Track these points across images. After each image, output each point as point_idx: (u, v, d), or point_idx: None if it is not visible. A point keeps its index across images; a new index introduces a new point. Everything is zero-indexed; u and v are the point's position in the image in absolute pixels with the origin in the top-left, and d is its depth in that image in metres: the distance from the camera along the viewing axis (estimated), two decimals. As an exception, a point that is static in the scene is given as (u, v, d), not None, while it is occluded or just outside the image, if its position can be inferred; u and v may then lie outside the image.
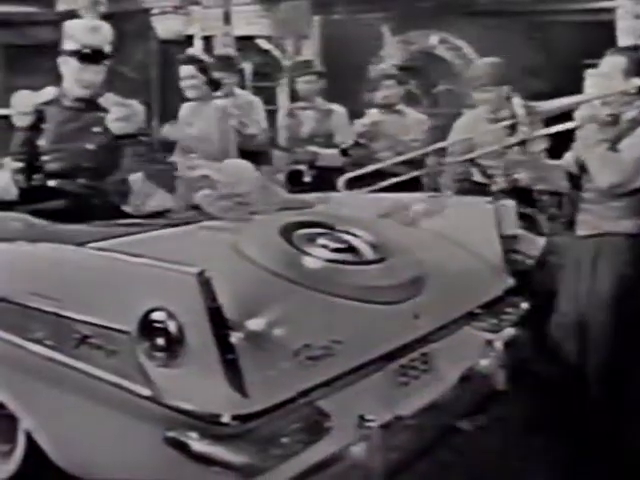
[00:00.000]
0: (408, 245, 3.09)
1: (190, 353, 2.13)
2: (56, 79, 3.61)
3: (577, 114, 3.16)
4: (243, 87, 5.79)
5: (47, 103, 3.58)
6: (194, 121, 4.56)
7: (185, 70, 4.60)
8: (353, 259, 2.88)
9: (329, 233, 2.99)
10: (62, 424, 2.46)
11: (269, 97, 7.48)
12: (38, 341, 2.41)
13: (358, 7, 8.12)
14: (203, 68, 4.62)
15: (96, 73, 3.51)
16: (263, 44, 8.65)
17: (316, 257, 2.78)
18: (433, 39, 8.17)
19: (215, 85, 4.68)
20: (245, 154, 4.29)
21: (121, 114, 3.51)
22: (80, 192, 3.45)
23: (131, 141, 3.53)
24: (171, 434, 2.13)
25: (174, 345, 2.14)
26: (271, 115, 5.47)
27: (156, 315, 2.16)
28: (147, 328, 2.17)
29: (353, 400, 2.45)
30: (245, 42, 8.35)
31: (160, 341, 2.15)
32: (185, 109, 4.71)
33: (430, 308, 2.84)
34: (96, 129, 3.51)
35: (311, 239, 2.90)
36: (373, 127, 4.99)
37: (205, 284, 2.13)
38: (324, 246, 2.87)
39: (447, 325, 2.91)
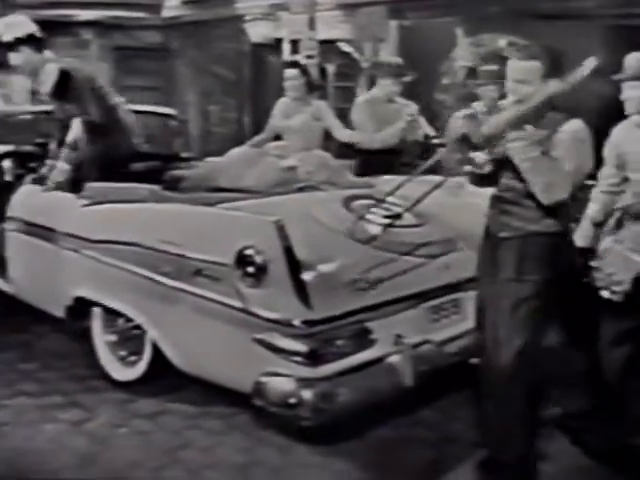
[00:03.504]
0: (444, 214, 3.84)
1: (271, 278, 3.00)
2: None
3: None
4: (324, 88, 6.18)
5: None
6: (293, 115, 5.23)
7: (290, 73, 5.23)
8: (398, 223, 3.67)
9: (380, 204, 3.79)
10: (181, 334, 3.38)
11: (349, 96, 8.11)
12: (164, 274, 3.33)
13: (431, 12, 8.65)
14: (304, 71, 5.28)
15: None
16: (344, 47, 9.29)
17: (369, 221, 3.59)
18: (502, 42, 8.63)
19: (310, 87, 5.27)
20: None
21: None
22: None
23: None
24: (259, 336, 3.02)
25: (260, 272, 3.01)
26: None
27: (248, 251, 3.04)
28: (241, 261, 3.05)
29: (393, 325, 3.26)
30: (328, 45, 9.02)
31: (250, 270, 3.03)
32: (283, 103, 5.36)
33: (459, 262, 3.59)
34: None
35: (366, 207, 3.71)
36: None
37: (281, 229, 3.00)
38: (376, 213, 3.68)
39: (474, 278, 3.65)
